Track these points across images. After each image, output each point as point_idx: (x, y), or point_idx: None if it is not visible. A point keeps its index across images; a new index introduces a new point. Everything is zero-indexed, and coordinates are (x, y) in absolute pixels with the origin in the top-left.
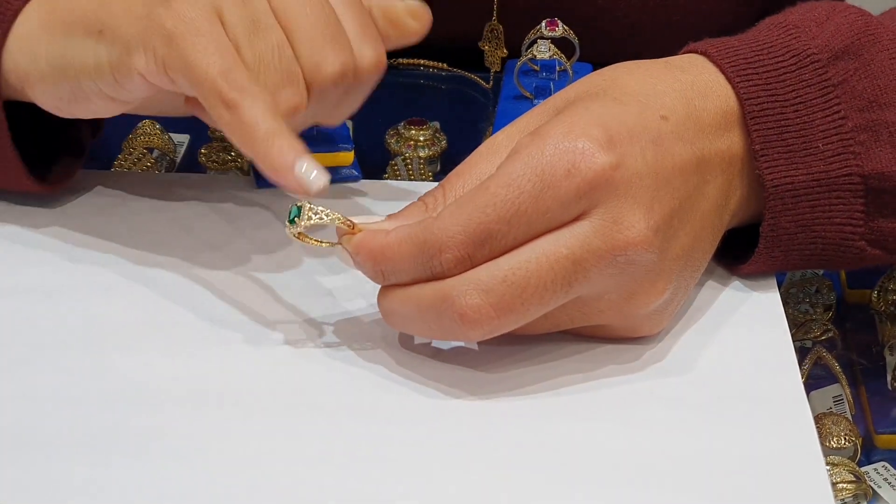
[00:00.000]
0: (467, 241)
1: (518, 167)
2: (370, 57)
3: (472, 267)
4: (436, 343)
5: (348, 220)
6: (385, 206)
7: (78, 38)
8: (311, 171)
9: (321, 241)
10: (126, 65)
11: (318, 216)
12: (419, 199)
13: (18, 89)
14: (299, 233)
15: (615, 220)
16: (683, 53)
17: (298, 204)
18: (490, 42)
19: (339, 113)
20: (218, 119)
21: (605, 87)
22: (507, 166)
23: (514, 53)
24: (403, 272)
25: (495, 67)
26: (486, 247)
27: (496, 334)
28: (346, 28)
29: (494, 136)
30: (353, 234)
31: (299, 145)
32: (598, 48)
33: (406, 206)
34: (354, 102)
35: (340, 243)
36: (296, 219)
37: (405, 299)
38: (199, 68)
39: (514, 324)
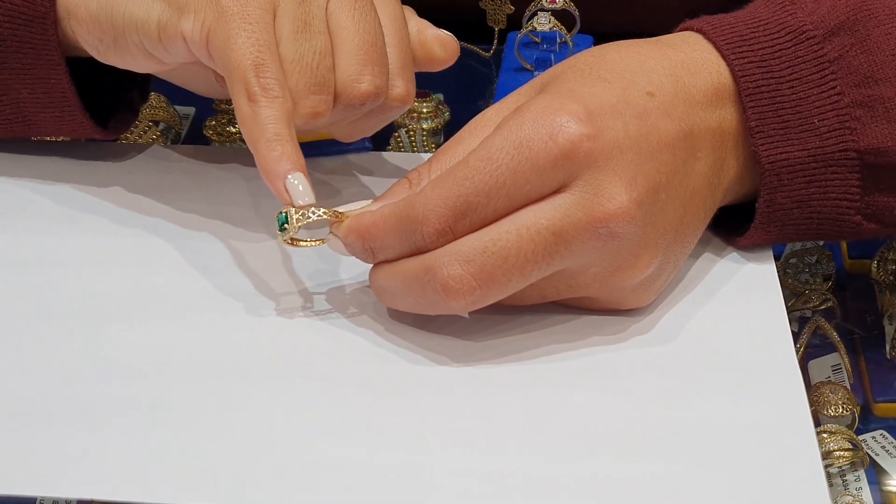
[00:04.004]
0: (447, 213)
1: (497, 141)
2: (401, 89)
3: (455, 239)
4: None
5: (335, 211)
6: (388, 179)
7: None
8: (299, 187)
9: (314, 241)
10: (174, 26)
11: (305, 217)
12: (404, 176)
13: (65, 21)
14: (292, 238)
15: (596, 191)
16: (679, 31)
17: (284, 211)
18: (493, 0)
19: (353, 131)
20: (236, 107)
21: (591, 65)
22: (486, 141)
23: (520, 10)
24: (389, 248)
25: (500, 25)
26: (466, 219)
27: (480, 305)
28: (389, 57)
29: (483, 112)
30: (342, 222)
31: (299, 158)
32: (599, 20)
33: (392, 186)
34: (371, 127)
35: (332, 232)
36: (285, 225)
37: (391, 274)
38: (236, 53)
39: (496, 295)
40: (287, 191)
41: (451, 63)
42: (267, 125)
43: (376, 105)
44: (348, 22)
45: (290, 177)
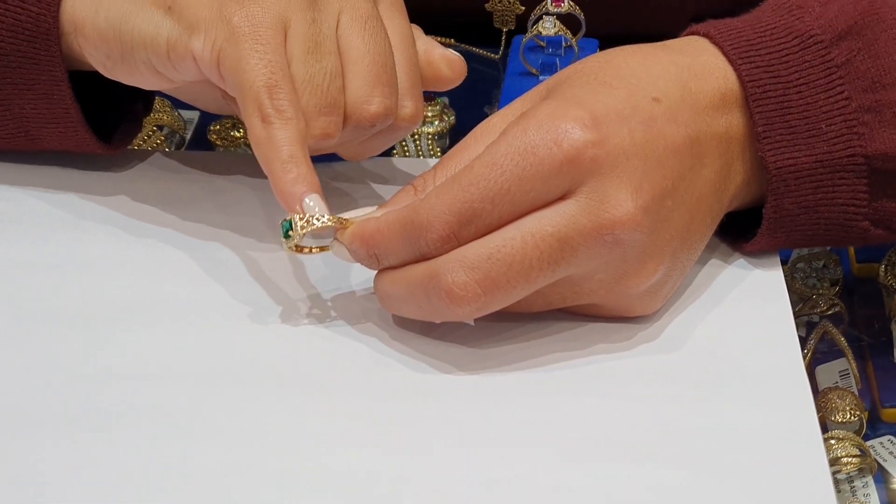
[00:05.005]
0: (452, 220)
1: (502, 147)
2: (410, 110)
3: (459, 246)
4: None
5: (339, 217)
6: (393, 184)
7: (145, 6)
8: (315, 208)
9: (318, 248)
10: (184, 45)
11: (310, 224)
12: (409, 183)
13: (71, 36)
14: (296, 245)
15: (601, 198)
16: (686, 35)
17: (288, 218)
18: (501, 1)
19: (362, 151)
20: (249, 128)
21: (597, 70)
22: (491, 147)
23: (531, 10)
24: (394, 254)
25: (509, 26)
26: (471, 226)
27: (484, 312)
28: (398, 77)
29: (489, 118)
30: (346, 228)
31: (314, 179)
32: (604, 24)
33: (397, 193)
34: (379, 147)
35: (336, 239)
36: (290, 232)
37: (396, 280)
38: (248, 74)
39: (501, 302)
40: (304, 212)
41: (458, 83)
42: (282, 147)
43: (386, 126)
44: (358, 42)
45: (306, 199)
